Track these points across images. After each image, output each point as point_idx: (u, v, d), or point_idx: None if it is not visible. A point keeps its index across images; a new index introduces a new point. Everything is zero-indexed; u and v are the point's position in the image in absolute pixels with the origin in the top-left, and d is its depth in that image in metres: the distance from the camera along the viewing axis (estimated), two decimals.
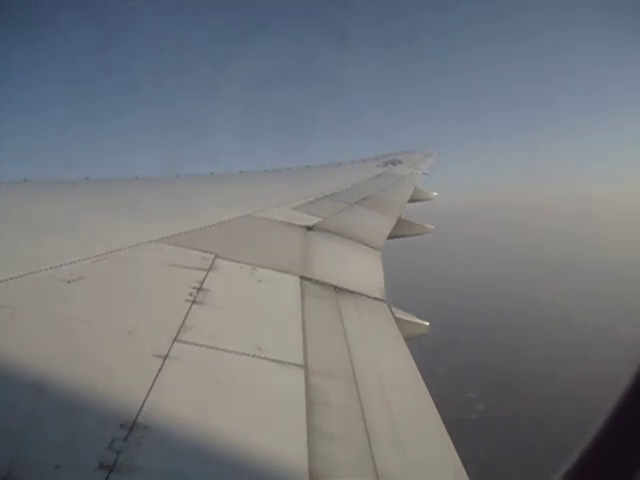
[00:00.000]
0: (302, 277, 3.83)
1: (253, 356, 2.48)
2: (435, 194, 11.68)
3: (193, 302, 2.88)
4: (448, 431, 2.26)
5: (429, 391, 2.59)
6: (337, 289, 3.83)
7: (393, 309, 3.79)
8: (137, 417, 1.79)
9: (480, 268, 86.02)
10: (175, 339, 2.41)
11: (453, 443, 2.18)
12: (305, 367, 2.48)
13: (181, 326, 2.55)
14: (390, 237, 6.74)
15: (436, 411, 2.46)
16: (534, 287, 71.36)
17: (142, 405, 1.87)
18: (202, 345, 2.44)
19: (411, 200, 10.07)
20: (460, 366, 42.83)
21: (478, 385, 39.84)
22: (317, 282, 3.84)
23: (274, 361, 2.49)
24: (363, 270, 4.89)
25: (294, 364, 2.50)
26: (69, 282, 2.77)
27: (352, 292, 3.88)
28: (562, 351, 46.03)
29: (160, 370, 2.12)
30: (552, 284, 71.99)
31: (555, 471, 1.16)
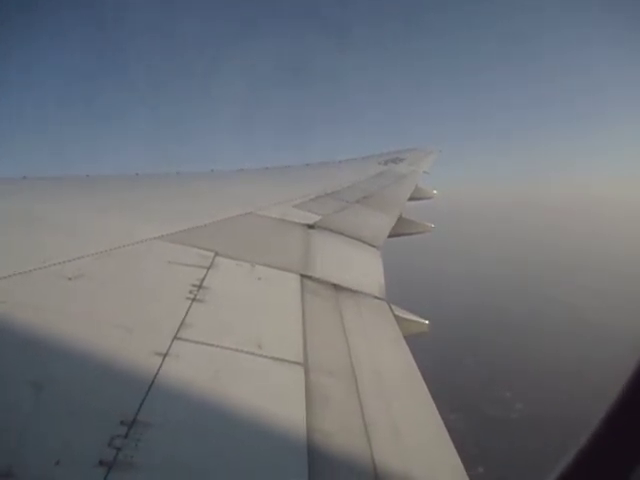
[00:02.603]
0: (302, 275, 3.83)
1: (253, 354, 2.48)
2: (435, 192, 11.66)
3: (193, 300, 2.88)
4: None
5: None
6: (337, 287, 3.83)
7: (393, 307, 3.79)
8: (137, 414, 1.80)
9: (482, 267, 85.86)
10: (175, 337, 2.41)
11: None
12: (305, 365, 2.48)
13: (181, 324, 2.56)
14: (391, 236, 6.74)
15: (435, 408, 2.46)
16: (538, 286, 71.15)
17: (142, 402, 1.87)
18: (202, 343, 2.45)
19: (412, 198, 10.06)
20: (486, 364, 42.52)
21: (504, 384, 39.56)
22: (317, 280, 3.84)
23: (274, 359, 2.49)
24: (363, 268, 4.89)
25: (294, 362, 2.50)
26: (70, 279, 2.77)
27: (352, 290, 3.89)
28: (577, 351, 45.65)
29: (160, 368, 2.13)
30: (556, 283, 71.77)
31: (553, 469, 1.16)
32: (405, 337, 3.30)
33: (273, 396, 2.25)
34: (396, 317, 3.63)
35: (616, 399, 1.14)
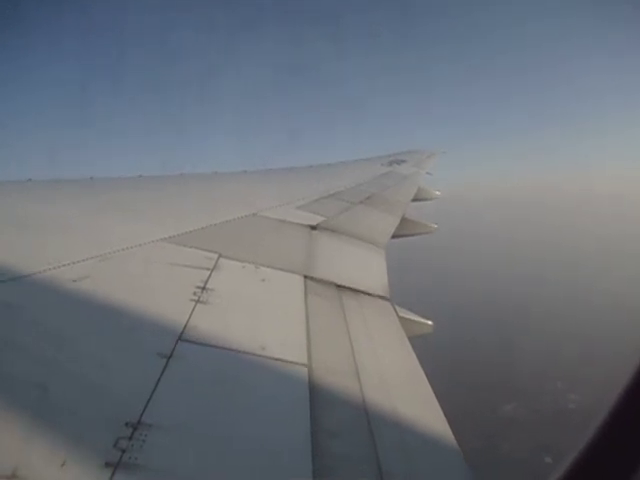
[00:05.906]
0: (306, 276, 3.83)
1: (257, 355, 2.48)
2: (438, 193, 11.65)
3: (197, 301, 2.89)
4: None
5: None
6: (341, 288, 3.83)
7: (397, 308, 3.79)
8: (142, 416, 1.80)
9: (487, 267, 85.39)
10: (179, 338, 2.42)
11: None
12: (309, 366, 2.48)
13: (185, 325, 2.56)
14: (394, 236, 6.73)
15: (439, 407, 2.46)
16: (544, 285, 70.50)
17: (147, 404, 1.88)
18: (206, 344, 2.45)
19: (415, 199, 10.05)
20: (523, 359, 41.96)
21: (551, 376, 39.13)
22: (321, 281, 3.84)
23: (278, 360, 2.49)
24: (367, 269, 4.89)
25: (298, 363, 2.50)
26: (74, 281, 2.79)
27: (356, 291, 3.88)
28: (591, 349, 45.23)
29: (164, 369, 2.13)
30: (561, 284, 71.11)
31: (555, 468, 1.15)
32: (409, 338, 3.30)
33: (277, 397, 2.25)
34: (400, 318, 3.62)
35: (617, 399, 1.14)
